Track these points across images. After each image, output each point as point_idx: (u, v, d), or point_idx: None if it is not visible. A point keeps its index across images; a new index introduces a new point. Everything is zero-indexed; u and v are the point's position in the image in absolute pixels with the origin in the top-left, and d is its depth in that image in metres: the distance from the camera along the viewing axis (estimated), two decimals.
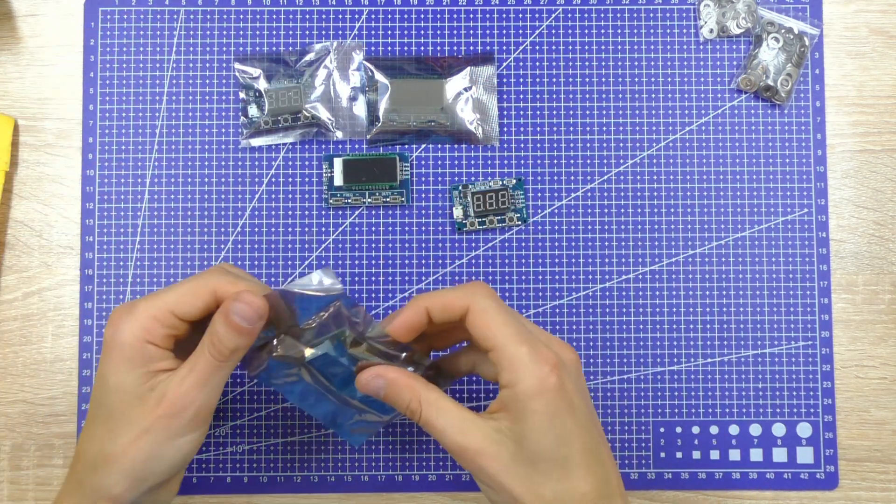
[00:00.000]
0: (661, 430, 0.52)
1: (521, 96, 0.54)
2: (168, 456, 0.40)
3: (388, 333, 0.41)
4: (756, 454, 0.52)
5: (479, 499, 0.52)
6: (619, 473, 0.40)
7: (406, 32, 0.54)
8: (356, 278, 0.53)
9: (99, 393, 0.40)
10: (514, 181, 0.53)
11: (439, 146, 0.54)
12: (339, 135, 0.53)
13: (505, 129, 0.54)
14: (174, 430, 0.39)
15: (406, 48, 0.54)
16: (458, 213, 0.53)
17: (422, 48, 0.54)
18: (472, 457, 0.38)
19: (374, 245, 0.53)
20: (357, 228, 0.53)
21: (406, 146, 0.53)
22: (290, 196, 0.53)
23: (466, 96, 0.53)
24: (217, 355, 0.40)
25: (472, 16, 0.54)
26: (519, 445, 0.38)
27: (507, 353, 0.38)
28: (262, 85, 0.53)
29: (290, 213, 0.53)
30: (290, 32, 0.54)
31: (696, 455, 0.52)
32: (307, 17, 0.54)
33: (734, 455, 0.52)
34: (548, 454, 0.38)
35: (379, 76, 0.53)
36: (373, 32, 0.54)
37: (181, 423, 0.39)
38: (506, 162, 0.54)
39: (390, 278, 0.53)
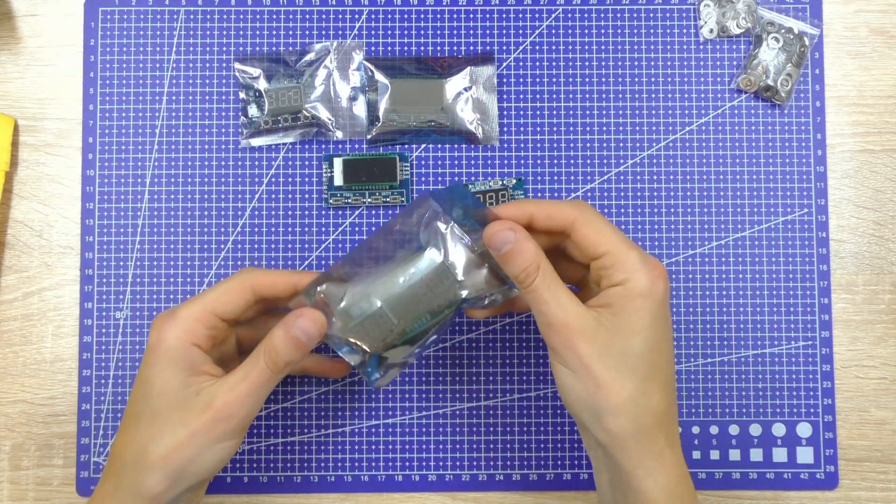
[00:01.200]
0: None
1: (521, 96, 0.54)
2: (208, 459, 0.41)
3: (494, 214, 0.42)
4: (756, 454, 0.52)
5: (479, 499, 0.52)
6: (675, 403, 0.41)
7: (406, 32, 0.54)
8: None
9: (141, 395, 0.41)
10: (514, 181, 0.53)
11: (439, 146, 0.54)
12: (339, 135, 0.53)
13: (505, 129, 0.54)
14: (218, 435, 0.40)
15: (406, 48, 0.54)
16: (458, 213, 0.53)
17: (422, 48, 0.54)
18: (569, 334, 0.39)
19: None
20: (357, 228, 0.53)
21: (406, 146, 0.53)
22: (290, 196, 0.53)
23: (466, 96, 0.53)
24: (273, 367, 0.41)
25: (472, 16, 0.54)
26: (615, 338, 0.39)
27: (620, 255, 0.40)
28: (262, 85, 0.53)
29: (290, 213, 0.53)
30: (290, 32, 0.54)
31: (696, 455, 0.52)
32: (307, 17, 0.54)
33: (734, 455, 0.52)
34: (640, 353, 0.39)
35: (379, 76, 0.53)
36: (373, 32, 0.54)
37: (226, 428, 0.40)
38: (506, 162, 0.54)
39: None
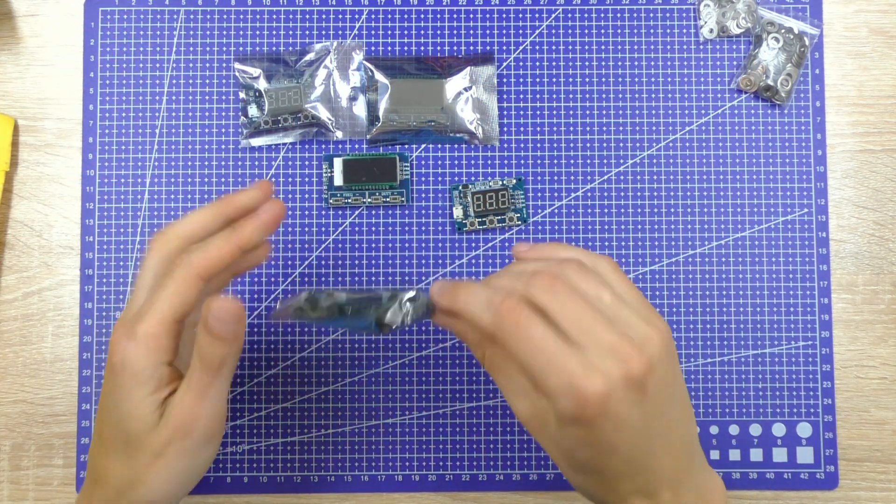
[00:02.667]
0: None
1: (521, 96, 0.54)
2: (188, 473, 0.40)
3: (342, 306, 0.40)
4: (756, 454, 0.52)
5: (479, 499, 0.52)
6: (675, 489, 0.37)
7: (406, 32, 0.54)
8: (356, 278, 0.53)
9: (110, 419, 0.39)
10: (514, 181, 0.53)
11: (439, 146, 0.54)
12: (339, 135, 0.53)
13: (505, 129, 0.54)
14: (188, 449, 0.39)
15: (406, 48, 0.54)
16: (458, 213, 0.53)
17: (422, 48, 0.54)
18: (523, 421, 0.37)
19: (374, 245, 0.53)
20: (357, 228, 0.53)
21: (406, 146, 0.53)
22: (290, 196, 0.53)
23: (466, 96, 0.53)
24: (208, 369, 0.39)
25: (472, 16, 0.54)
26: (558, 444, 0.37)
27: (539, 384, 0.36)
28: (262, 85, 0.53)
29: (289, 213, 0.53)
30: (290, 32, 0.54)
31: None
32: (307, 17, 0.54)
33: (734, 455, 0.52)
34: (582, 463, 0.37)
35: (379, 76, 0.53)
36: (373, 32, 0.54)
37: (193, 441, 0.39)
38: (506, 162, 0.54)
39: (390, 278, 0.53)
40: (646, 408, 0.35)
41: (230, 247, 0.40)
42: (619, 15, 0.54)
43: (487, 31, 0.54)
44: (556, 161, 0.54)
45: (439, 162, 0.54)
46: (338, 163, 0.53)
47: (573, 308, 0.35)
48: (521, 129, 0.54)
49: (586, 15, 0.54)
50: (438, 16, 0.54)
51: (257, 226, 0.40)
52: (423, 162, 0.53)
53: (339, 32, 0.54)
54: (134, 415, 0.39)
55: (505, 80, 0.54)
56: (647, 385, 0.35)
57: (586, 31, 0.54)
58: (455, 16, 0.54)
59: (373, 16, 0.54)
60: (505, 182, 0.53)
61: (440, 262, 0.53)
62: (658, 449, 0.36)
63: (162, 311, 0.38)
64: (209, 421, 0.39)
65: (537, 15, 0.54)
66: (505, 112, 0.54)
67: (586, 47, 0.54)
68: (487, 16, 0.54)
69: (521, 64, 0.54)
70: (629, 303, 0.36)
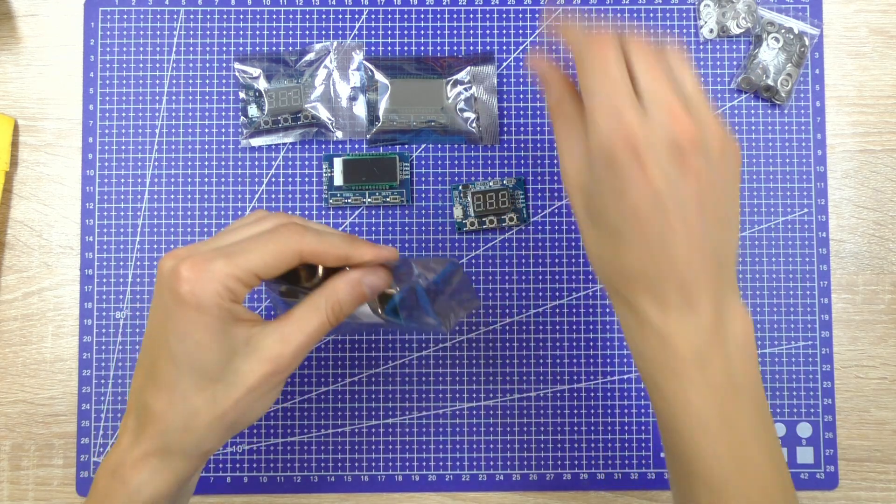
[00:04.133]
0: None
1: (521, 96, 0.54)
2: (259, 410, 0.39)
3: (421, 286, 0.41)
4: None
5: (478, 499, 0.52)
6: (695, 269, 0.36)
7: (406, 32, 0.54)
8: None
9: (180, 350, 0.37)
10: (514, 181, 0.53)
11: (439, 146, 0.54)
12: (339, 135, 0.53)
13: (505, 129, 0.54)
14: (272, 385, 0.39)
15: (406, 48, 0.54)
16: (458, 213, 0.53)
17: (422, 48, 0.54)
18: (565, 180, 0.38)
19: None
20: (357, 228, 0.53)
21: (406, 146, 0.53)
22: (290, 196, 0.53)
23: (466, 96, 0.53)
24: (334, 319, 0.39)
25: (472, 16, 0.54)
26: (589, 198, 0.37)
27: (589, 112, 0.36)
28: (262, 85, 0.53)
29: (290, 213, 0.53)
30: (290, 32, 0.54)
31: None
32: (307, 17, 0.54)
33: None
34: (607, 220, 0.36)
35: (379, 76, 0.53)
36: (373, 32, 0.54)
37: (280, 379, 0.39)
38: (506, 162, 0.54)
39: None
40: (681, 185, 0.35)
41: (342, 250, 0.39)
42: (618, 15, 0.54)
43: (487, 31, 0.54)
44: (556, 161, 0.54)
45: (439, 162, 0.54)
46: (338, 163, 0.53)
47: (656, 76, 0.36)
48: (521, 129, 0.54)
49: (586, 15, 0.54)
50: (438, 16, 0.54)
51: (374, 250, 0.41)
52: (423, 162, 0.53)
53: (339, 32, 0.54)
54: (210, 345, 0.37)
55: (505, 80, 0.54)
56: (689, 162, 0.35)
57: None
58: (455, 16, 0.54)
59: (373, 16, 0.54)
60: (505, 182, 0.53)
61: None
62: (680, 238, 0.36)
63: (247, 262, 0.37)
64: (298, 364, 0.39)
65: (537, 15, 0.54)
66: (505, 112, 0.54)
67: None
68: (487, 16, 0.54)
69: (521, 64, 0.54)
70: (705, 106, 0.37)
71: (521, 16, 0.54)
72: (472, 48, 0.54)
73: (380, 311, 0.42)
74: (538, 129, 0.54)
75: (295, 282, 0.40)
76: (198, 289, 0.36)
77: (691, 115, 0.35)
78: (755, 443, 0.37)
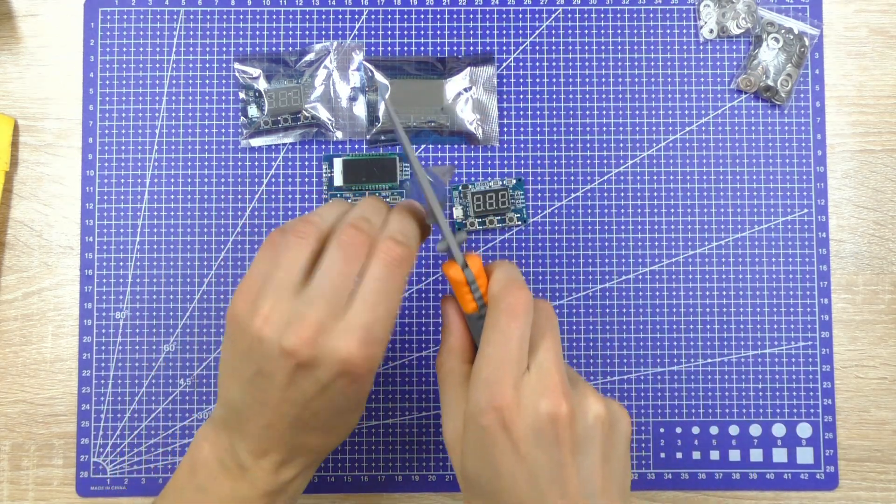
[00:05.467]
0: (661, 430, 0.52)
1: (521, 96, 0.54)
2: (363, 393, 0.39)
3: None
4: (756, 454, 0.52)
5: None
6: None
7: (406, 32, 0.54)
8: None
9: (324, 413, 0.38)
10: (514, 181, 0.53)
11: (439, 146, 0.54)
12: (338, 135, 0.53)
13: (505, 129, 0.54)
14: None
15: (406, 48, 0.54)
16: (458, 213, 0.53)
17: (422, 48, 0.54)
18: (447, 446, 0.38)
19: None
20: None
21: None
22: (290, 196, 0.53)
23: (466, 96, 0.53)
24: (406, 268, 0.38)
25: (472, 16, 0.54)
26: (462, 458, 0.37)
27: (474, 367, 0.37)
28: (261, 85, 0.53)
29: (290, 213, 0.53)
30: (290, 32, 0.54)
31: (696, 455, 0.52)
32: (307, 17, 0.54)
33: (734, 455, 0.52)
34: (472, 482, 0.37)
35: (379, 76, 0.53)
36: (373, 33, 0.54)
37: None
38: (506, 162, 0.54)
39: None
40: (555, 455, 0.35)
41: (413, 209, 0.39)
42: (618, 15, 0.54)
43: (487, 31, 0.54)
44: (556, 161, 0.54)
45: (439, 162, 0.53)
46: (338, 163, 0.53)
47: (551, 357, 0.36)
48: (521, 129, 0.54)
49: (586, 15, 0.54)
50: (438, 16, 0.54)
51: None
52: (423, 162, 0.53)
53: (339, 33, 0.54)
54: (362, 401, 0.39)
55: (505, 80, 0.54)
56: (561, 437, 0.35)
57: (586, 32, 0.54)
58: (455, 16, 0.54)
59: (373, 16, 0.54)
60: (505, 182, 0.53)
61: (440, 262, 0.53)
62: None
63: (393, 316, 0.36)
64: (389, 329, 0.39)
65: (537, 15, 0.54)
66: (505, 112, 0.54)
67: (586, 47, 0.54)
68: (487, 16, 0.54)
69: (521, 64, 0.54)
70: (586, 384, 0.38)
71: (521, 16, 0.54)
72: (472, 48, 0.54)
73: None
74: (538, 129, 0.54)
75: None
76: (373, 363, 0.36)
77: (578, 401, 0.36)
78: None
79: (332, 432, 0.40)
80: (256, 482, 0.39)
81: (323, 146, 0.54)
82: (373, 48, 0.54)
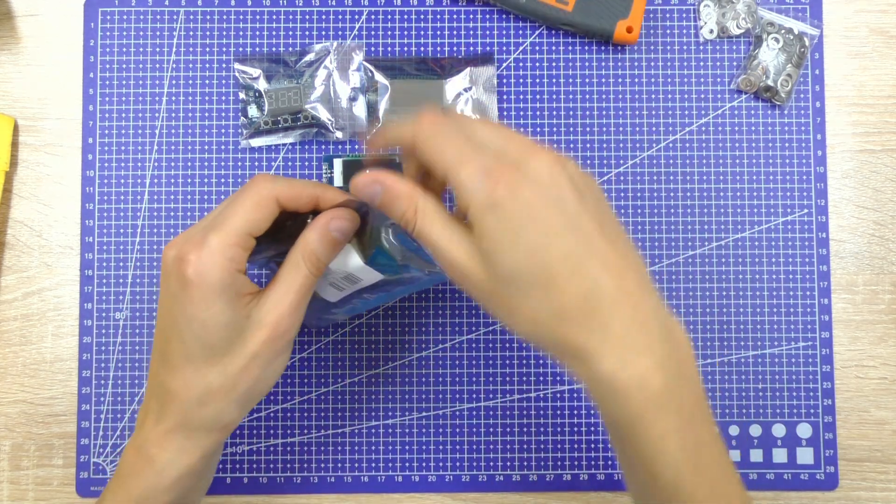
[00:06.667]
0: None
1: (521, 96, 0.54)
2: (271, 376, 0.41)
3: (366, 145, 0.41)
4: (756, 455, 0.52)
5: (479, 499, 0.52)
6: (624, 274, 0.35)
7: (406, 33, 0.54)
8: None
9: (185, 333, 0.39)
10: None
11: None
12: (338, 135, 0.53)
13: None
14: (277, 351, 0.40)
15: (406, 48, 0.54)
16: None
17: (422, 48, 0.54)
18: (459, 276, 0.36)
19: None
20: None
21: None
22: None
23: (466, 97, 0.53)
24: (315, 271, 0.40)
25: (472, 16, 0.54)
26: (490, 264, 0.35)
27: (452, 178, 0.35)
28: (261, 85, 0.53)
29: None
30: (290, 32, 0.54)
31: None
32: (307, 17, 0.54)
33: (734, 456, 0.52)
34: (517, 270, 0.35)
35: (379, 77, 0.53)
36: (373, 33, 0.54)
37: (283, 343, 0.40)
38: None
39: None
40: (563, 204, 0.35)
41: (312, 189, 0.41)
42: None
43: (487, 32, 0.54)
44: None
45: None
46: (338, 163, 0.53)
47: (487, 127, 0.37)
48: (521, 129, 0.54)
49: None
50: (438, 16, 0.54)
51: (340, 193, 0.41)
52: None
53: (339, 33, 0.54)
54: (217, 322, 0.39)
55: (505, 80, 0.54)
56: (559, 181, 0.35)
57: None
58: (455, 16, 0.54)
59: (373, 16, 0.54)
60: None
61: None
62: (596, 245, 0.35)
63: (236, 224, 0.39)
64: (298, 323, 0.41)
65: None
66: (505, 112, 0.54)
67: (586, 47, 0.54)
68: (487, 16, 0.54)
69: (521, 64, 0.54)
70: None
71: (520, 16, 0.54)
72: (472, 48, 0.54)
73: (364, 256, 0.41)
74: (538, 129, 0.54)
75: (286, 241, 0.41)
76: (202, 268, 0.38)
77: (545, 149, 0.36)
78: (720, 467, 0.36)
79: (218, 372, 0.39)
80: (163, 471, 0.40)
81: (323, 146, 0.54)
82: (373, 48, 0.54)
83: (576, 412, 0.53)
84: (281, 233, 0.41)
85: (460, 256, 0.36)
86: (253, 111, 0.53)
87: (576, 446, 0.52)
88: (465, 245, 0.36)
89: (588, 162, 0.54)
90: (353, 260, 0.42)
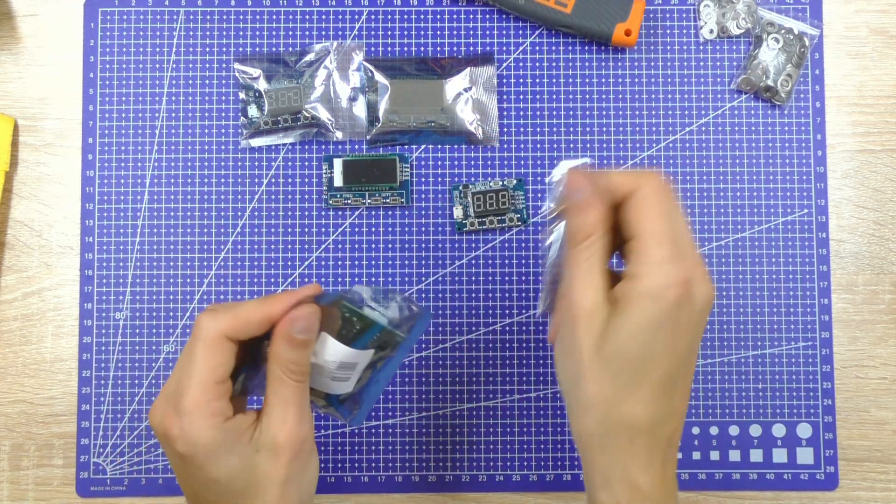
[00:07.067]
0: None
1: (521, 96, 0.54)
2: (310, 483, 0.41)
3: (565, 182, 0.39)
4: (756, 455, 0.52)
5: (479, 499, 0.52)
6: (679, 426, 0.38)
7: (406, 33, 0.54)
8: (356, 279, 0.53)
9: (211, 493, 0.39)
10: (514, 181, 0.53)
11: (439, 147, 0.53)
12: (338, 135, 0.53)
13: (505, 129, 0.54)
14: (304, 462, 0.39)
15: (406, 48, 0.54)
16: (458, 213, 0.53)
17: (422, 48, 0.54)
18: (576, 315, 0.37)
19: (373, 246, 0.53)
20: (357, 229, 0.53)
21: (406, 147, 0.53)
22: (289, 196, 0.53)
23: (466, 97, 0.53)
24: (299, 377, 0.39)
25: (472, 16, 0.54)
26: (612, 336, 0.36)
27: (647, 245, 0.36)
28: (261, 85, 0.53)
29: (289, 213, 0.53)
30: (290, 32, 0.54)
31: (697, 456, 0.52)
32: (307, 17, 0.54)
33: (734, 456, 0.52)
34: (630, 358, 0.36)
35: (379, 77, 0.53)
36: (373, 33, 0.54)
37: (306, 452, 0.39)
38: (506, 162, 0.54)
39: (390, 279, 0.53)
40: (696, 336, 0.37)
41: (258, 312, 0.39)
42: None
43: (487, 32, 0.54)
44: (556, 161, 0.54)
45: (439, 162, 0.53)
46: (338, 163, 0.53)
47: (674, 215, 0.37)
48: (521, 129, 0.54)
49: None
50: (438, 16, 0.54)
51: (289, 296, 0.40)
52: (423, 162, 0.53)
53: (339, 33, 0.54)
54: (231, 476, 0.38)
55: (505, 80, 0.54)
56: (705, 316, 0.37)
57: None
58: (455, 16, 0.54)
59: (373, 16, 0.54)
60: (505, 182, 0.53)
61: (440, 262, 0.53)
62: (682, 387, 0.37)
63: (200, 377, 0.37)
64: (311, 427, 0.40)
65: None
66: (505, 112, 0.54)
67: (586, 47, 0.54)
68: (487, 16, 0.54)
69: (521, 64, 0.54)
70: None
71: (520, 16, 0.54)
72: (472, 48, 0.54)
73: (344, 340, 0.40)
74: (538, 129, 0.54)
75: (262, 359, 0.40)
76: (190, 439, 0.37)
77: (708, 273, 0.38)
78: None
79: None
80: None
81: (323, 146, 0.54)
82: (373, 48, 0.54)
83: None
84: (257, 355, 0.40)
85: (585, 300, 0.37)
86: (253, 111, 0.53)
87: (576, 447, 0.52)
88: (595, 295, 0.37)
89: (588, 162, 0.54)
90: (334, 346, 0.39)
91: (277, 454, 0.38)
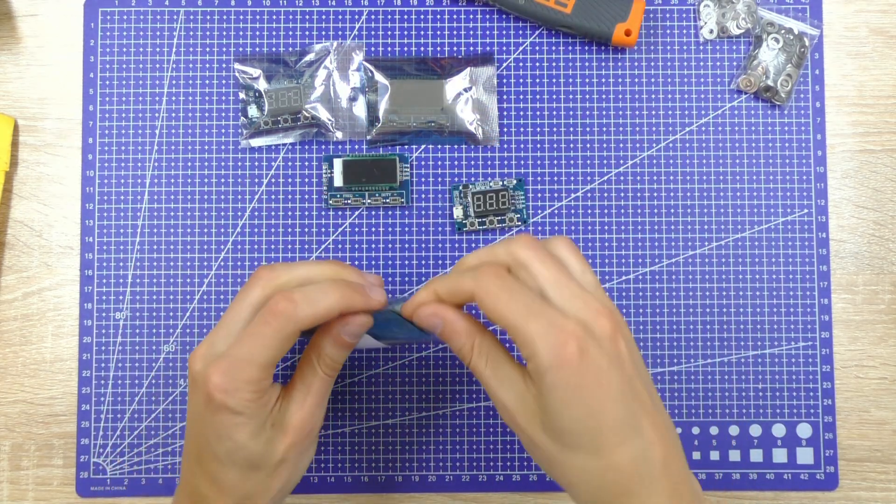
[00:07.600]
0: None
1: (521, 96, 0.54)
2: (300, 471, 0.44)
3: (400, 313, 0.42)
4: (756, 455, 0.52)
5: (479, 499, 0.52)
6: (668, 445, 0.37)
7: (406, 33, 0.54)
8: None
9: (221, 449, 0.40)
10: (515, 181, 0.53)
11: (439, 147, 0.54)
12: (338, 135, 0.53)
13: (505, 129, 0.54)
14: (302, 450, 0.43)
15: (406, 48, 0.54)
16: (458, 213, 0.53)
17: (422, 48, 0.54)
18: (510, 416, 0.38)
19: (374, 246, 0.53)
20: (357, 229, 0.53)
21: (406, 147, 0.53)
22: (289, 196, 0.53)
23: (466, 97, 0.53)
24: (331, 372, 0.43)
25: (472, 16, 0.54)
26: (547, 417, 0.36)
27: (518, 332, 0.36)
28: (261, 85, 0.53)
29: (289, 213, 0.53)
30: (290, 32, 0.54)
31: (696, 456, 0.52)
32: (307, 17, 0.54)
33: (734, 456, 0.52)
34: (574, 429, 0.36)
35: (379, 77, 0.53)
36: (373, 33, 0.54)
37: (308, 442, 0.43)
38: (506, 162, 0.54)
39: (390, 279, 0.53)
40: (622, 367, 0.36)
41: (335, 308, 0.41)
42: None
43: (487, 32, 0.54)
44: (556, 161, 0.54)
45: (439, 162, 0.54)
46: (338, 163, 0.53)
47: (548, 267, 0.38)
48: (521, 129, 0.54)
49: None
50: (438, 16, 0.54)
51: (363, 299, 0.42)
52: (422, 162, 0.53)
53: (339, 33, 0.54)
54: (247, 443, 0.40)
55: (505, 80, 0.54)
56: (619, 345, 0.37)
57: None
58: (455, 16, 0.54)
59: (373, 16, 0.54)
60: (505, 182, 0.53)
61: (440, 262, 0.53)
62: (643, 412, 0.37)
63: (264, 358, 0.40)
64: (320, 421, 0.43)
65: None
66: (505, 112, 0.54)
67: (586, 48, 0.54)
68: (487, 16, 0.54)
69: (521, 64, 0.54)
70: (589, 280, 0.39)
71: (521, 16, 0.54)
72: (472, 48, 0.54)
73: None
74: (538, 129, 0.54)
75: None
76: (230, 399, 0.39)
77: (601, 303, 0.37)
78: None
79: (245, 479, 0.41)
80: None
81: (323, 146, 0.54)
82: (373, 48, 0.54)
83: None
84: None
85: (510, 400, 0.38)
86: (253, 111, 0.53)
87: None
88: (517, 389, 0.38)
89: (588, 162, 0.54)
90: (365, 339, 0.44)
91: (285, 434, 0.41)
